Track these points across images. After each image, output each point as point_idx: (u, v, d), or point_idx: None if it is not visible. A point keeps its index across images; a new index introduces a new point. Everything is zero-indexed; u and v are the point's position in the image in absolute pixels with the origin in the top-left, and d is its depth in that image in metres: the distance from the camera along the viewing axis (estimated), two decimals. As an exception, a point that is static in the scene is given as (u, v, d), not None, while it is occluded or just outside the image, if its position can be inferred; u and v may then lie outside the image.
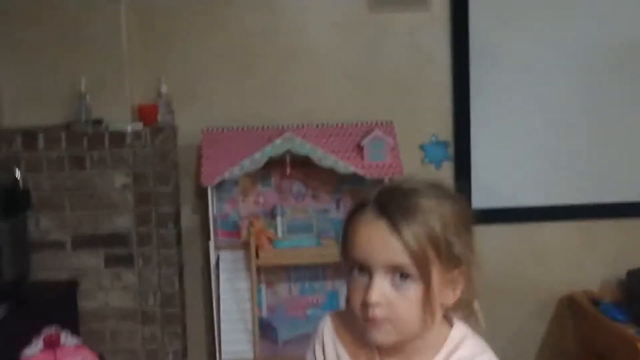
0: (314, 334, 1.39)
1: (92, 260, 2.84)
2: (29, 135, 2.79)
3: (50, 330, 2.33)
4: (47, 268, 2.80)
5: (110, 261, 2.84)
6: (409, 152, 2.98)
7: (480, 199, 3.05)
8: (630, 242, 3.11)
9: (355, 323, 1.27)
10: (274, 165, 2.84)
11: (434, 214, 1.20)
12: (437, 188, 1.26)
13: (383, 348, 1.26)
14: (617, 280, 3.06)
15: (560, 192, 3.10)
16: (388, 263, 1.18)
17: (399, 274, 1.18)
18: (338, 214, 2.88)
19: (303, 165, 2.84)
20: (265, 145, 2.75)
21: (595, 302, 2.98)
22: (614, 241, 3.13)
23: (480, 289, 2.97)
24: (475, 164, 3.07)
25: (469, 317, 1.32)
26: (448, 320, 1.30)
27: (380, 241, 1.18)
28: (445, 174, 3.06)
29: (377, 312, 1.18)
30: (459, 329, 1.29)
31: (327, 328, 1.36)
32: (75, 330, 2.53)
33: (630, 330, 2.74)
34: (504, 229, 3.10)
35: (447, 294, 1.24)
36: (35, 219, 2.80)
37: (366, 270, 1.19)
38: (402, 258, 1.18)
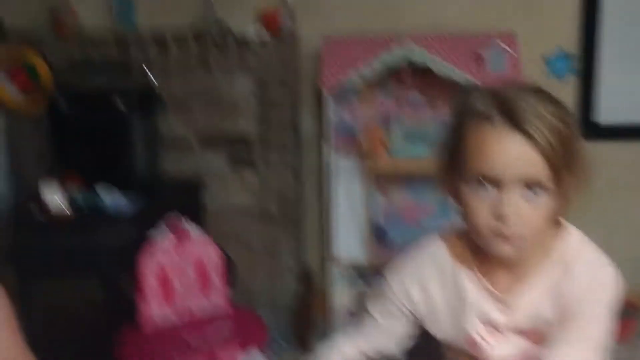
0: (403, 266, 1.38)
1: (216, 161, 3.00)
2: (161, 41, 2.93)
3: (179, 221, 2.50)
4: (176, 167, 2.99)
5: (233, 162, 3.00)
6: (531, 64, 2.90)
7: (605, 115, 2.96)
8: None
9: (470, 240, 1.28)
10: (393, 73, 2.86)
11: (559, 122, 1.19)
12: (547, 94, 1.25)
13: (504, 261, 1.26)
14: None
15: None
16: (523, 177, 1.17)
17: (532, 186, 1.18)
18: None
19: (422, 75, 2.85)
20: (384, 53, 2.76)
21: None
22: None
23: (601, 206, 2.90)
24: (601, 78, 2.95)
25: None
26: (557, 224, 1.30)
27: (517, 155, 1.16)
28: (569, 87, 2.97)
29: (511, 227, 1.18)
30: (574, 236, 1.30)
31: (436, 260, 1.34)
32: (200, 225, 2.69)
33: None
34: (630, 145, 2.99)
35: (562, 202, 1.24)
36: (166, 120, 2.98)
37: (495, 183, 1.18)
38: (539, 170, 1.17)
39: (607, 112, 2.96)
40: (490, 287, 1.30)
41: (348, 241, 2.91)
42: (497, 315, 1.29)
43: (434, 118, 2.93)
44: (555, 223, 1.29)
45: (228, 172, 3.01)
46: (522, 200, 1.18)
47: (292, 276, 3.02)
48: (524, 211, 1.18)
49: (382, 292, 1.39)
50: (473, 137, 1.20)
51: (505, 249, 1.22)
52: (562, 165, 1.18)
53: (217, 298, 2.57)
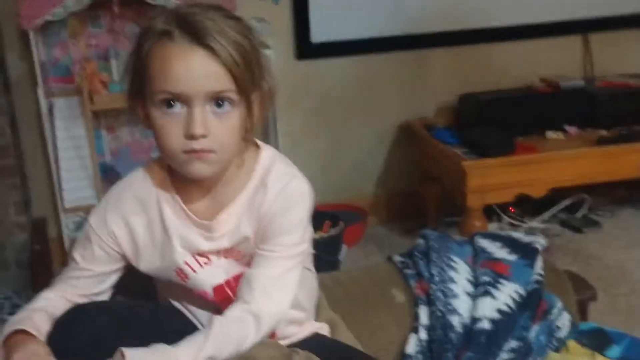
0: (104, 204, 1.34)
1: None
2: None
3: None
4: None
5: None
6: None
7: (318, 35, 3.07)
8: (461, 69, 3.25)
9: (170, 167, 1.27)
10: (102, 5, 2.72)
11: (240, 36, 1.20)
12: (227, 10, 1.25)
13: (202, 182, 1.27)
14: (449, 106, 3.23)
15: (393, 23, 3.15)
16: (210, 91, 1.17)
17: (219, 101, 1.18)
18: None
19: (134, 4, 2.74)
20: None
21: (430, 127, 3.14)
22: (446, 69, 3.26)
23: (322, 121, 2.97)
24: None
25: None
26: (249, 142, 1.33)
27: (201, 69, 1.16)
28: (284, 9, 3.04)
29: (203, 143, 1.18)
30: (266, 152, 1.33)
31: (137, 193, 1.31)
32: None
33: (458, 151, 2.92)
34: (342, 61, 3.14)
35: (251, 117, 1.27)
36: None
37: (182, 101, 1.17)
38: (224, 84, 1.17)
39: (319, 31, 3.07)
40: (190, 213, 1.30)
41: (77, 184, 2.79)
42: (201, 241, 1.30)
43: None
44: (250, 142, 1.32)
45: None
46: (211, 115, 1.19)
47: (22, 230, 2.84)
48: (213, 126, 1.19)
49: (85, 236, 1.34)
50: (155, 56, 1.18)
51: (199, 168, 1.22)
52: (248, 78, 1.20)
53: None
